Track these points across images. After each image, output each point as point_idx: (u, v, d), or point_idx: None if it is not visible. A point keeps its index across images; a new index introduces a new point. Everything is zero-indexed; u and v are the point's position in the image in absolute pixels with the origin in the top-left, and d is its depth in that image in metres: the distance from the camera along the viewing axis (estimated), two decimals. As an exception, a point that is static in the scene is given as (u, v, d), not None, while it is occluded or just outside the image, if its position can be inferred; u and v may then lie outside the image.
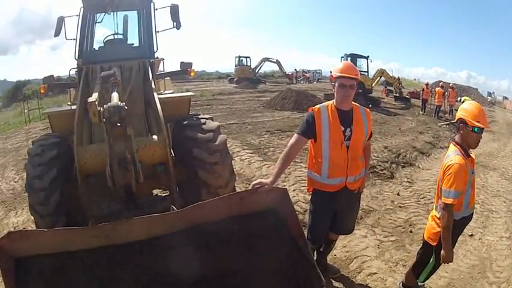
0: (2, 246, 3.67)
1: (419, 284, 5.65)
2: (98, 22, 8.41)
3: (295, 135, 5.18)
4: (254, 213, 4.53)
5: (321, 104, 5.37)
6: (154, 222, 4.20)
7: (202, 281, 4.21)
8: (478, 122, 4.63)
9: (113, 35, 8.65)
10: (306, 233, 5.97)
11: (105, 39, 8.56)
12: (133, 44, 8.59)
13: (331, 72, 5.79)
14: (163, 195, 8.81)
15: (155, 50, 7.93)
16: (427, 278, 5.51)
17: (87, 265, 4.03)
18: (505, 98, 75.86)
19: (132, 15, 8.91)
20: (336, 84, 5.13)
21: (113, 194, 5.91)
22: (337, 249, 6.84)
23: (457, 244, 5.40)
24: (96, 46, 8.42)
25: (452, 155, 4.77)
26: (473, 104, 4.85)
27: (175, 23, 7.83)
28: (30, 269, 3.87)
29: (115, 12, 8.41)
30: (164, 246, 4.20)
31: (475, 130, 4.67)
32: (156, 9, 8.03)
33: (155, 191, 8.80)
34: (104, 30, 8.72)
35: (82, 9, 7.74)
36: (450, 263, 5.15)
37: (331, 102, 5.29)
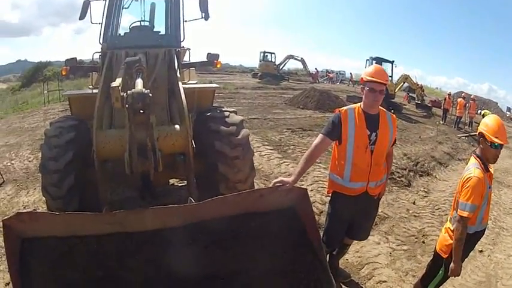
0: (10, 225, 3.67)
1: None
2: (125, 8, 8.40)
3: (320, 135, 5.11)
4: (272, 211, 4.48)
5: (348, 106, 5.30)
6: (170, 214, 4.16)
7: (211, 278, 4.16)
8: (497, 137, 4.57)
9: (140, 21, 8.63)
10: (321, 235, 5.92)
11: (131, 26, 8.53)
12: (159, 32, 8.56)
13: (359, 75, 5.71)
14: (180, 185, 8.77)
15: (182, 39, 7.86)
16: None
17: (95, 251, 4.01)
18: (524, 113, 75.53)
19: (159, 3, 8.89)
20: (366, 88, 5.06)
21: (130, 181, 5.91)
22: (349, 253, 6.77)
23: (466, 259, 5.38)
24: (121, 32, 8.37)
25: (472, 168, 4.70)
26: (495, 119, 4.78)
27: (203, 14, 7.76)
28: (36, 250, 3.85)
29: None
30: (176, 238, 4.14)
31: (494, 146, 4.62)
32: None
33: (172, 181, 8.78)
34: (129, 17, 8.71)
35: None
36: (458, 278, 5.11)
37: (358, 105, 5.22)
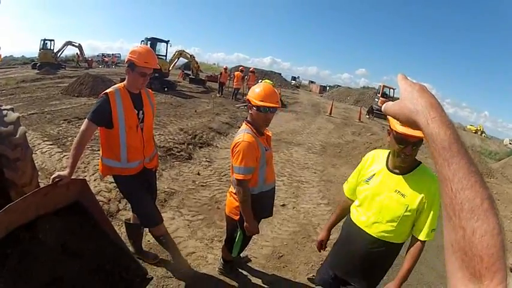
0: None
1: (234, 257, 5.76)
2: None
3: (87, 121, 4.84)
4: (61, 209, 4.25)
5: (113, 87, 5.14)
6: None
7: None
8: (262, 101, 4.75)
9: None
10: (129, 224, 6.12)
11: None
12: None
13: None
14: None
15: None
16: (240, 251, 5.65)
17: None
18: (312, 82, 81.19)
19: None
20: (135, 70, 4.99)
21: None
22: (149, 235, 6.50)
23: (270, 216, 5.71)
24: None
25: (242, 134, 4.86)
26: (262, 86, 4.92)
27: None
28: None
29: None
30: None
31: (262, 109, 4.78)
32: None
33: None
34: None
35: None
36: (267, 233, 5.19)
37: (121, 85, 5.16)
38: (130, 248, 5.93)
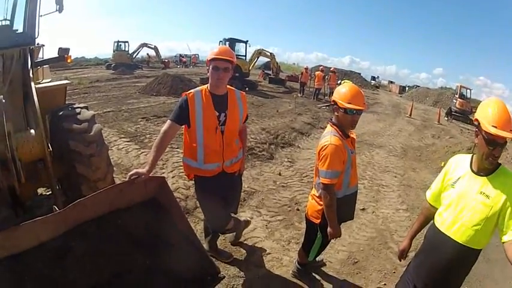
0: None
1: (310, 260, 5.70)
2: None
3: (168, 121, 5.03)
4: (135, 205, 4.40)
5: (194, 89, 5.24)
6: (38, 227, 3.84)
7: (98, 284, 3.93)
8: (350, 103, 4.63)
9: (1, 20, 8.12)
10: (205, 223, 6.28)
11: None
12: (17, 30, 8.09)
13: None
14: (48, 194, 8.36)
15: (36, 35, 7.41)
16: (317, 255, 5.61)
17: None
18: (391, 82, 79.58)
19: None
20: (210, 68, 5.03)
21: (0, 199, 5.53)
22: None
23: (350, 220, 5.61)
24: None
25: (328, 136, 4.78)
26: (348, 86, 4.82)
27: (58, 6, 7.32)
28: None
29: None
30: (54, 251, 3.88)
31: (349, 112, 4.67)
32: None
33: (41, 190, 8.18)
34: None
35: None
36: (345, 237, 5.19)
37: (205, 86, 5.20)
38: (205, 246, 6.00)
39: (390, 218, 8.58)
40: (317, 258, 5.88)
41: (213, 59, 4.96)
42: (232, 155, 5.38)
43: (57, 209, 4.97)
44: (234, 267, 6.16)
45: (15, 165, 4.82)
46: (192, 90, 5.17)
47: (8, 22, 8.05)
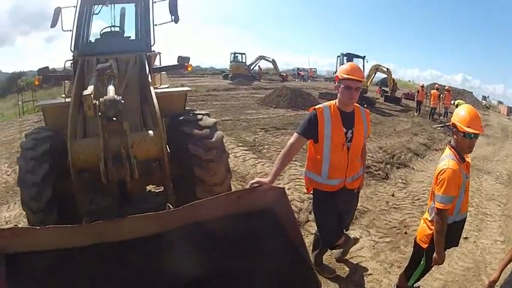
0: None
1: (409, 285, 5.59)
2: (95, 14, 8.31)
3: (295, 134, 5.09)
4: (251, 212, 4.46)
5: (323, 104, 5.27)
6: (149, 221, 4.11)
7: (196, 282, 4.11)
8: (469, 127, 4.50)
9: (110, 27, 8.55)
10: (316, 236, 6.19)
11: (102, 32, 8.45)
12: (130, 37, 8.49)
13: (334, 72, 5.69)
14: (157, 191, 8.70)
15: (152, 43, 7.82)
16: (417, 280, 5.49)
17: (79, 263, 3.93)
18: (500, 102, 76.25)
19: (130, 8, 8.84)
20: (342, 86, 5.03)
21: (107, 190, 5.82)
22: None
23: (452, 247, 5.47)
24: (92, 38, 8.29)
25: (447, 160, 4.68)
26: (467, 109, 4.71)
27: (173, 17, 7.69)
28: (21, 266, 3.76)
29: (112, 5, 8.33)
30: (158, 245, 4.11)
31: (467, 136, 4.55)
32: (155, 2, 7.90)
33: (149, 187, 8.70)
34: (100, 23, 8.63)
35: (80, 0, 7.61)
36: (444, 266, 5.10)
37: (333, 102, 5.21)
38: (311, 258, 5.96)
39: (488, 250, 8.11)
40: (415, 284, 5.83)
41: (345, 79, 4.98)
42: (355, 172, 5.40)
43: (170, 206, 5.17)
44: (335, 283, 6.18)
45: (129, 161, 5.09)
46: (320, 105, 5.24)
47: (117, 29, 8.48)
